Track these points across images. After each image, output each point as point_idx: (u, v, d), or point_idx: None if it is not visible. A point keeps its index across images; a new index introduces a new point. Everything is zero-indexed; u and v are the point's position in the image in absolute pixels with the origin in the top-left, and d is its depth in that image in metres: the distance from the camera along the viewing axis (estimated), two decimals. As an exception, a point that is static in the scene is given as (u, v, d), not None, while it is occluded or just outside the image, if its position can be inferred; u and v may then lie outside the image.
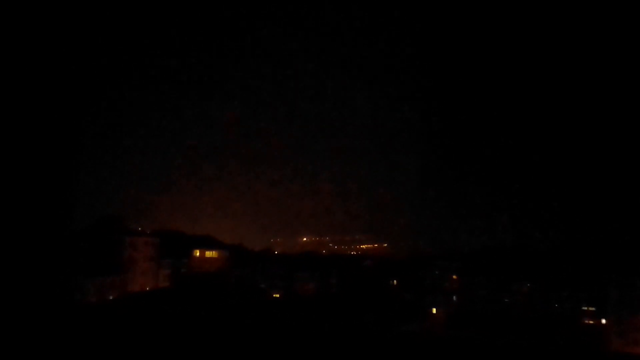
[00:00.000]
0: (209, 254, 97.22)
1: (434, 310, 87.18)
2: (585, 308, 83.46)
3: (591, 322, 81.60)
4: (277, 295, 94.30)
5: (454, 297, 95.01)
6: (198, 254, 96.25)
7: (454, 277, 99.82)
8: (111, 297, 76.15)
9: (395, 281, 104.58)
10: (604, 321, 79.40)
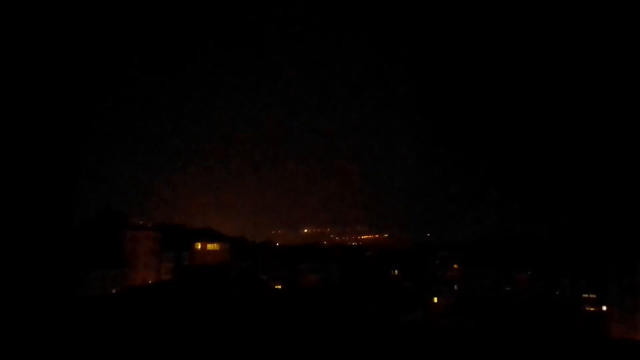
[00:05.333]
0: (210, 246, 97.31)
1: (436, 300, 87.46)
2: (586, 295, 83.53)
3: (592, 309, 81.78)
4: (279, 287, 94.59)
5: (456, 286, 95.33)
6: (199, 246, 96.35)
7: (455, 266, 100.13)
8: (113, 291, 76.49)
9: (396, 271, 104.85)
10: (604, 308, 79.59)
